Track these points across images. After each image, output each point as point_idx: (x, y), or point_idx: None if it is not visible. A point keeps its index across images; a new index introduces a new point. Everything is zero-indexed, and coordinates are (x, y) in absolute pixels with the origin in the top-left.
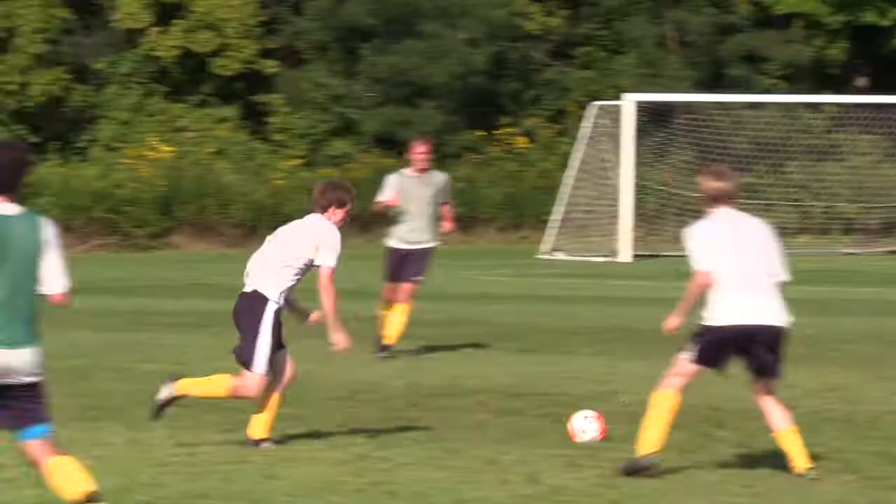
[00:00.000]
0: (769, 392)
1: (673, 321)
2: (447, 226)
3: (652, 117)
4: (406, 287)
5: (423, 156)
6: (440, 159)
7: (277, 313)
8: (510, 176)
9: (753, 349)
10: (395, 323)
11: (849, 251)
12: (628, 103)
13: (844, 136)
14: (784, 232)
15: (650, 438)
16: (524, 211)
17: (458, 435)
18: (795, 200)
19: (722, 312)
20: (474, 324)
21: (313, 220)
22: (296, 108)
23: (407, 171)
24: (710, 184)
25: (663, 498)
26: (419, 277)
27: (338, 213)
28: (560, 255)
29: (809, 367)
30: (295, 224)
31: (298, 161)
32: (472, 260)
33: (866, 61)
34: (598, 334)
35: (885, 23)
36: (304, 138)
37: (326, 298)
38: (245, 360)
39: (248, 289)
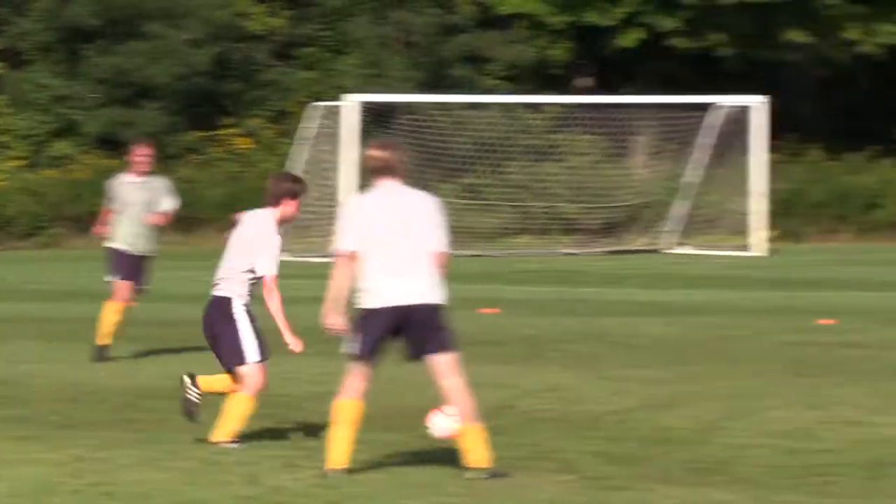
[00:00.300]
0: (452, 375)
1: (330, 318)
2: (157, 219)
3: (375, 118)
4: (129, 289)
5: (144, 159)
6: (162, 160)
7: (247, 307)
8: (232, 177)
9: (408, 331)
10: (109, 322)
11: (569, 251)
12: (350, 104)
13: (564, 136)
14: (505, 232)
15: (338, 454)
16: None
17: (178, 436)
18: (516, 201)
19: (372, 294)
20: (194, 325)
21: (257, 220)
22: (18, 109)
23: (126, 176)
24: (372, 154)
25: (380, 498)
26: (143, 286)
27: (290, 205)
28: (281, 256)
29: (529, 367)
30: (241, 225)
31: (21, 162)
32: (193, 261)
33: (590, 61)
34: (317, 335)
35: (608, 23)
36: (27, 139)
37: (272, 303)
38: (236, 360)
39: (214, 294)
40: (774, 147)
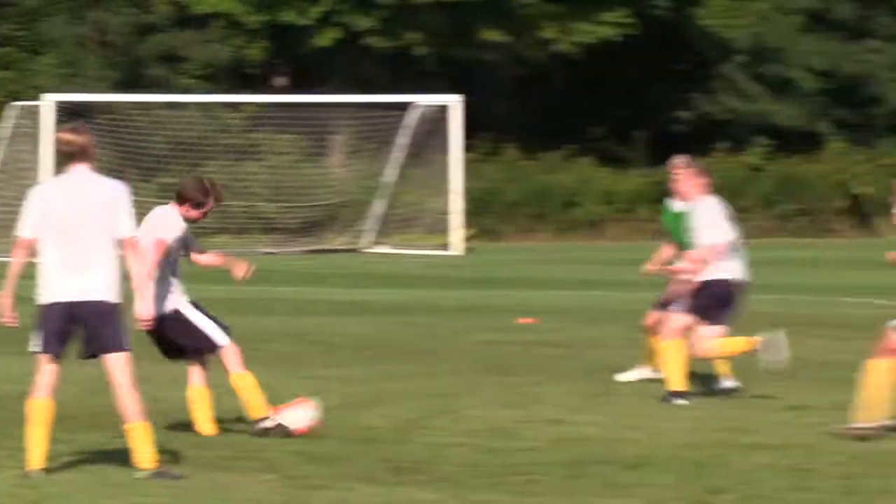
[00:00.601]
0: (120, 374)
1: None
2: None
3: (72, 118)
4: None
5: None
6: None
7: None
8: None
9: (81, 327)
10: None
11: (268, 250)
12: (47, 103)
13: (263, 135)
14: (203, 231)
15: (36, 454)
16: None
17: None
18: None
19: (46, 290)
20: None
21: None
22: None
23: None
24: (63, 138)
25: (80, 497)
26: None
27: (192, 213)
28: None
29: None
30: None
31: None
32: None
33: (286, 61)
34: (15, 334)
35: (305, 22)
36: None
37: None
38: (206, 348)
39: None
40: (470, 146)
